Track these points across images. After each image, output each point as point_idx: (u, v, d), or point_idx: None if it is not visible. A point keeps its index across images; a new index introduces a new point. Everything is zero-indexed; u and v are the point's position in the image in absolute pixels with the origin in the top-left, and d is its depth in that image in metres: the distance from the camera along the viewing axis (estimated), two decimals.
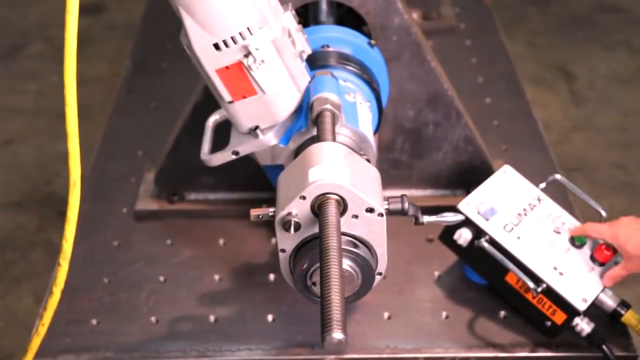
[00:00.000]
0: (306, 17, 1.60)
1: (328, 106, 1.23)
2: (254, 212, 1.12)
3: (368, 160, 1.18)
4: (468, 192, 1.63)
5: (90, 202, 1.79)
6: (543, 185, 1.57)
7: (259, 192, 1.70)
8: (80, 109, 1.11)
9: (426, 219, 1.16)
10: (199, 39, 1.19)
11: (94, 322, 1.52)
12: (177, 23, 1.20)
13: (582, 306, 1.38)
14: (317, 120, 1.23)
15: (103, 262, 1.66)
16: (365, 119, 1.34)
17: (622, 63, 4.07)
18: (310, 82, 1.31)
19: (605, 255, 1.44)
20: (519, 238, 1.45)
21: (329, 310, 0.89)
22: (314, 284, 1.11)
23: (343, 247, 1.05)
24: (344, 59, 1.43)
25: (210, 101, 1.38)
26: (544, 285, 1.39)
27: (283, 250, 1.12)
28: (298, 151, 1.30)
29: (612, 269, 1.42)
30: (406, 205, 1.11)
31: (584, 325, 1.40)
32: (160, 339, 1.49)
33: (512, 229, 1.46)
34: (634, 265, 1.39)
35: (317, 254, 0.99)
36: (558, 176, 1.57)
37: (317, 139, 1.20)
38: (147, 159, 1.90)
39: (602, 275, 1.43)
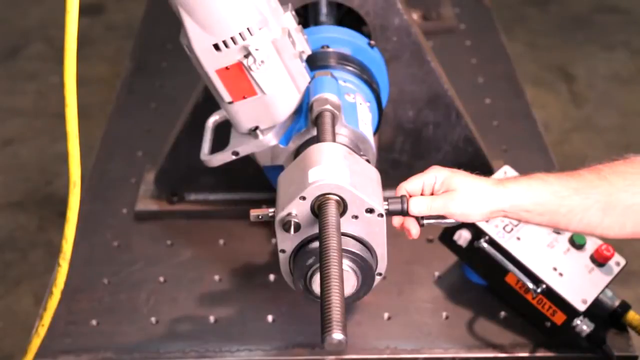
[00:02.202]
0: (306, 17, 1.60)
1: (328, 107, 1.23)
2: (254, 213, 1.12)
3: (368, 161, 1.17)
4: None
5: (90, 203, 1.79)
6: None
7: (259, 192, 1.70)
8: (80, 109, 1.11)
9: (426, 220, 1.16)
10: (199, 40, 1.19)
11: (94, 322, 1.52)
12: (177, 23, 1.20)
13: (581, 307, 1.38)
14: (317, 121, 1.23)
15: (103, 262, 1.66)
16: (365, 120, 1.34)
17: (621, 63, 4.07)
18: (310, 82, 1.31)
19: (605, 256, 1.44)
20: (518, 239, 1.45)
21: (329, 311, 0.89)
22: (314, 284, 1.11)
23: (343, 247, 1.05)
24: (344, 60, 1.43)
25: (210, 101, 1.38)
26: (544, 286, 1.39)
27: (283, 251, 1.12)
28: (298, 152, 1.30)
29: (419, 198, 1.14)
30: (405, 205, 1.11)
31: (583, 326, 1.40)
32: (160, 339, 1.49)
33: (512, 229, 1.46)
34: (452, 202, 1.12)
35: (317, 255, 0.99)
36: None
37: (317, 139, 1.20)
38: (147, 159, 1.91)
39: (600, 275, 1.43)
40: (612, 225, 1.14)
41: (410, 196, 1.14)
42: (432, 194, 1.15)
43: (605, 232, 1.15)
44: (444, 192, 1.14)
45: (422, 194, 1.15)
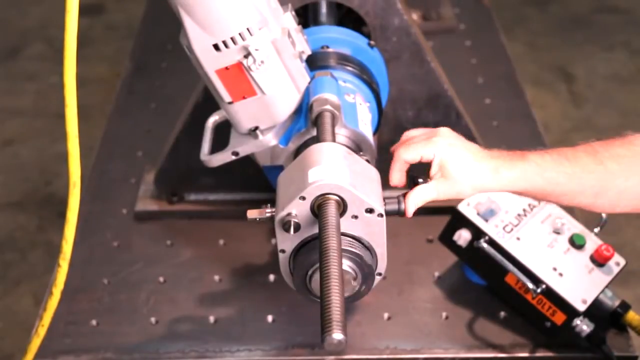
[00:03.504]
0: (306, 17, 1.60)
1: (328, 107, 1.23)
2: (251, 215, 1.12)
3: (368, 161, 1.18)
4: None
5: (90, 203, 1.79)
6: None
7: (259, 192, 1.70)
8: (79, 109, 1.11)
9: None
10: (199, 40, 1.19)
11: (94, 322, 1.52)
12: (177, 23, 1.20)
13: (581, 307, 1.38)
14: (317, 121, 1.23)
15: (103, 262, 1.66)
16: (365, 120, 1.35)
17: (621, 64, 4.07)
18: (310, 82, 1.31)
19: (605, 256, 1.44)
20: (518, 239, 1.45)
21: (329, 311, 0.89)
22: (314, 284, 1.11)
23: (343, 247, 1.05)
24: (344, 60, 1.43)
25: (210, 101, 1.38)
26: (544, 286, 1.39)
27: (283, 251, 1.12)
28: (298, 152, 1.30)
29: (417, 189, 1.13)
30: (402, 206, 1.11)
31: (583, 326, 1.40)
32: (160, 339, 1.49)
33: (512, 229, 1.46)
34: (447, 189, 1.13)
35: (317, 255, 0.99)
36: None
37: (316, 139, 1.20)
38: (147, 159, 1.90)
39: (600, 275, 1.43)
40: (603, 206, 1.18)
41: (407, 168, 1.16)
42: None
43: (596, 209, 1.19)
44: (435, 178, 1.14)
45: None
